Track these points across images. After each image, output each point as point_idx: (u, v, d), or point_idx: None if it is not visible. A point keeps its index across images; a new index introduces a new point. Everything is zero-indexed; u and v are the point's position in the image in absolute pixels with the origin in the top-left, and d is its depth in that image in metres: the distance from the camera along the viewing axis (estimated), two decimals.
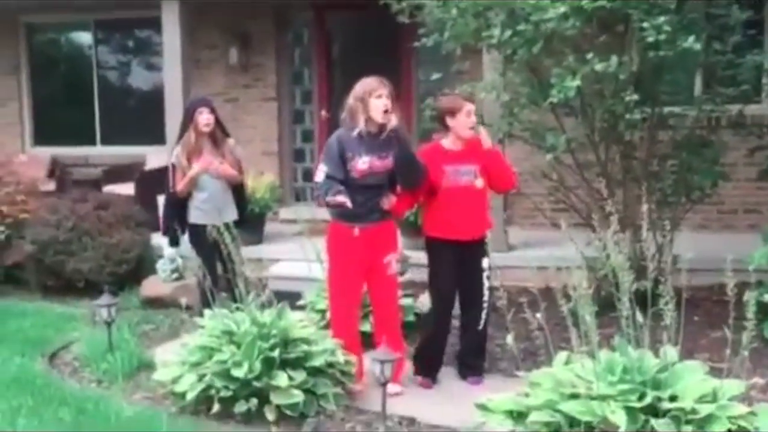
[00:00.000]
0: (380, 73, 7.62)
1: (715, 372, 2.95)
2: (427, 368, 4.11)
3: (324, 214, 7.78)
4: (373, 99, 3.72)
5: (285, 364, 3.51)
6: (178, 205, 4.95)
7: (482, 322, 4.06)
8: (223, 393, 3.43)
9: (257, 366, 3.44)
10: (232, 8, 7.64)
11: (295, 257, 5.92)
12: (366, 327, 4.78)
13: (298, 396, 3.40)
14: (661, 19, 4.09)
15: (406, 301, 5.07)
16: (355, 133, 3.75)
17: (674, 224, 5.25)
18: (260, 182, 6.85)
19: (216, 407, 3.46)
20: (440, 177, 3.92)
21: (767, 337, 4.44)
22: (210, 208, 4.86)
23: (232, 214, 5.08)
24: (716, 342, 4.35)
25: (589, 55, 4.24)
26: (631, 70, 4.30)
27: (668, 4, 4.29)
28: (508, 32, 4.38)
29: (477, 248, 3.91)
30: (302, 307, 5.08)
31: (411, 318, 5.02)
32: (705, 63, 4.93)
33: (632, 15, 4.37)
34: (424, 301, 5.49)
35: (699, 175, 5.05)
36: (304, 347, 3.58)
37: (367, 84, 3.79)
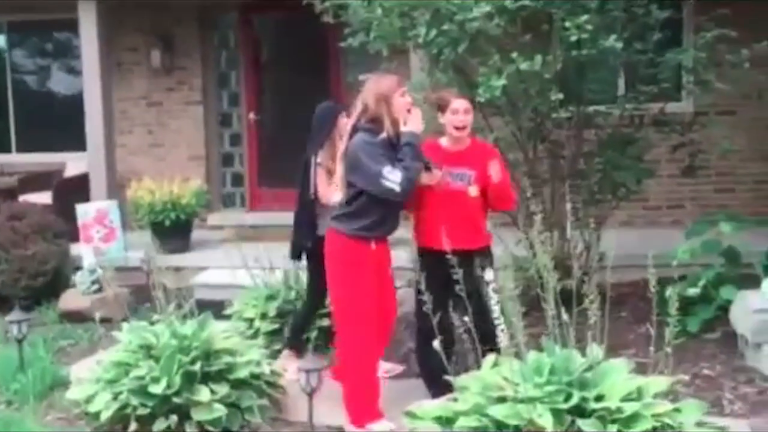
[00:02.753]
0: (309, 74, 7.62)
1: (642, 368, 2.96)
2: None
3: (255, 219, 7.75)
4: (397, 98, 3.38)
5: (207, 378, 3.36)
6: (314, 215, 4.31)
7: (498, 340, 3.39)
8: (141, 411, 3.26)
9: (177, 381, 3.28)
10: (153, 9, 7.38)
11: (224, 264, 5.78)
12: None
13: (221, 410, 3.26)
14: (583, 18, 4.12)
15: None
16: (379, 139, 3.36)
17: (600, 222, 5.32)
18: (186, 188, 6.63)
19: (133, 426, 3.28)
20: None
21: (691, 331, 4.52)
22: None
23: None
24: (642, 338, 4.40)
25: (514, 55, 4.24)
26: (555, 69, 4.31)
27: (590, 4, 4.33)
28: (434, 32, 4.33)
29: (475, 259, 3.42)
30: (229, 316, 4.93)
31: None
32: (627, 62, 4.99)
33: (555, 15, 4.39)
34: None
35: (624, 172, 5.11)
36: (228, 359, 3.44)
37: (389, 82, 3.41)
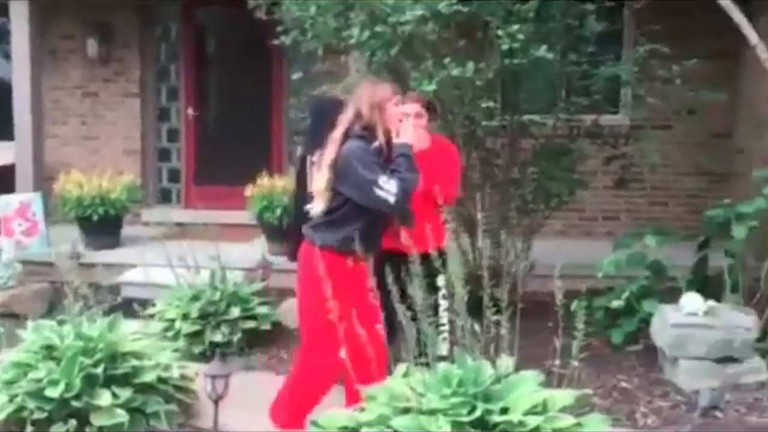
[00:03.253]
0: (251, 70, 7.49)
1: (559, 380, 2.92)
2: None
3: (190, 217, 7.58)
4: (390, 106, 3.24)
5: (111, 381, 3.23)
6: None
7: (442, 350, 3.41)
8: (37, 414, 3.11)
9: (77, 384, 3.14)
10: None
11: (155, 262, 5.61)
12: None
13: (122, 416, 3.13)
14: (515, 27, 4.10)
15: (262, 310, 4.87)
16: (372, 147, 3.21)
17: (533, 231, 5.34)
18: (117, 182, 6.43)
19: (29, 430, 3.13)
20: None
21: (615, 342, 4.55)
22: None
23: None
24: (565, 349, 4.42)
25: (447, 60, 4.20)
26: (488, 77, 4.29)
27: (525, 13, 4.32)
28: (367, 33, 4.27)
29: (425, 263, 3.12)
30: (152, 316, 4.78)
31: (266, 327, 4.83)
32: (561, 73, 5.01)
33: (490, 22, 4.38)
34: (289, 308, 5.32)
35: (556, 182, 5.13)
36: (134, 362, 3.31)
37: (383, 89, 3.29)
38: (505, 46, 4.11)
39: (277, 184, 6.14)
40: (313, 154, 4.01)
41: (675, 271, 4.67)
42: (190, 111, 7.59)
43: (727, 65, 6.53)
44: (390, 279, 2.92)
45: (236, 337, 4.63)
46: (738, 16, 3.63)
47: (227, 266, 5.07)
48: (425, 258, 3.07)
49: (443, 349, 3.61)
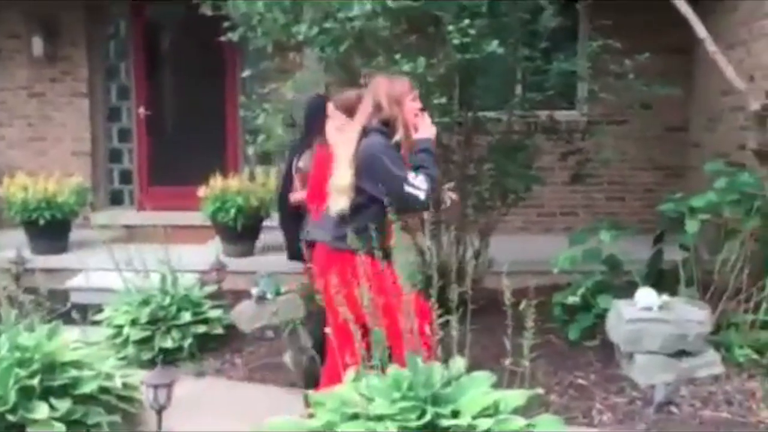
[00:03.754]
0: (204, 68, 7.32)
1: (515, 378, 2.86)
2: None
3: (144, 219, 7.39)
4: (408, 102, 3.10)
5: (48, 393, 3.08)
6: (297, 216, 4.09)
7: None
8: None
9: (12, 396, 2.99)
10: None
11: (106, 267, 5.42)
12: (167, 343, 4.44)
13: (60, 429, 2.98)
14: (466, 22, 4.05)
15: (214, 313, 4.74)
16: (393, 142, 3.07)
17: (490, 228, 5.30)
18: (64, 185, 6.23)
19: None
20: None
21: (572, 339, 4.53)
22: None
23: None
24: (520, 347, 4.40)
25: (398, 56, 4.13)
26: (440, 73, 4.22)
27: (475, 8, 4.27)
28: (316, 29, 4.17)
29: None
30: (100, 322, 4.63)
31: (219, 331, 4.71)
32: (515, 68, 4.97)
33: (442, 17, 4.31)
34: (242, 311, 5.21)
35: (512, 179, 5.09)
36: (73, 372, 3.17)
37: (401, 84, 3.14)
38: (456, 41, 4.05)
39: (230, 185, 6.01)
40: (300, 157, 3.91)
41: (631, 266, 4.67)
42: (142, 110, 7.40)
43: (681, 60, 6.57)
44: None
45: (187, 342, 4.50)
46: (685, 9, 3.61)
47: (180, 269, 4.94)
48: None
49: None
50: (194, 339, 4.54)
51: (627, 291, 4.45)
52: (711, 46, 3.58)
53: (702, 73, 6.41)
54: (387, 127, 3.07)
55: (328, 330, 3.05)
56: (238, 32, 4.50)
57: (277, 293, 5.20)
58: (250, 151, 4.96)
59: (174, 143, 7.40)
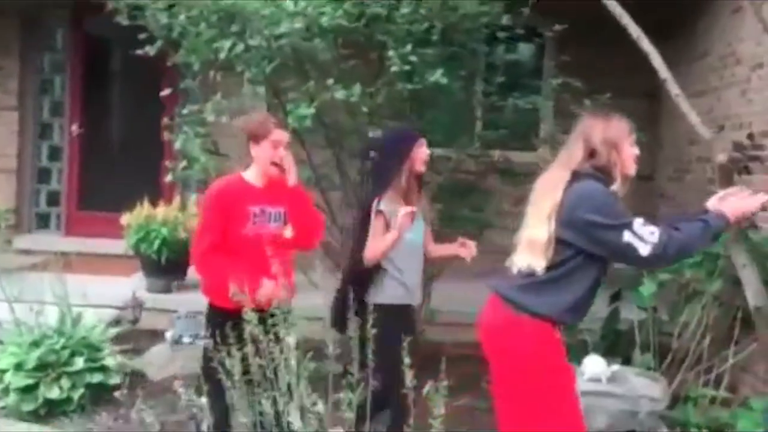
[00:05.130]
0: (143, 85, 6.82)
1: None
2: None
3: (71, 245, 6.83)
4: (627, 147, 2.58)
5: None
6: (365, 276, 3.29)
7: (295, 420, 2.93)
8: None
9: None
10: None
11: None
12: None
13: None
14: (408, 48, 3.64)
15: (114, 360, 4.19)
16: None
17: (433, 275, 4.85)
18: None
19: None
20: (243, 220, 2.95)
21: None
22: (413, 284, 3.35)
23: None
24: (464, 411, 3.95)
25: (330, 81, 3.70)
26: (377, 102, 3.80)
27: (422, 35, 3.87)
28: (241, 46, 3.73)
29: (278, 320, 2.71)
30: None
31: (117, 380, 4.15)
32: (469, 103, 4.57)
33: (386, 42, 3.90)
34: (153, 356, 4.68)
35: (459, 222, 4.66)
36: None
37: (618, 125, 2.59)
38: (395, 69, 3.63)
39: (156, 213, 5.50)
40: (381, 199, 3.23)
41: (588, 324, 4.24)
42: (75, 128, 6.87)
43: (648, 105, 6.26)
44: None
45: (77, 393, 3.95)
46: (648, 47, 3.23)
47: (95, 304, 4.44)
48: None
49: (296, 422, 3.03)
50: (87, 389, 4.00)
51: (581, 353, 4.01)
52: (674, 89, 3.20)
53: (669, 121, 6.08)
54: (603, 173, 2.54)
55: None
56: (156, 46, 4.04)
57: (196, 337, 4.68)
58: (168, 177, 4.46)
59: (108, 165, 6.89)
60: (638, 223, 2.43)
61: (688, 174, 5.74)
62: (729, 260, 3.76)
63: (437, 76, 3.65)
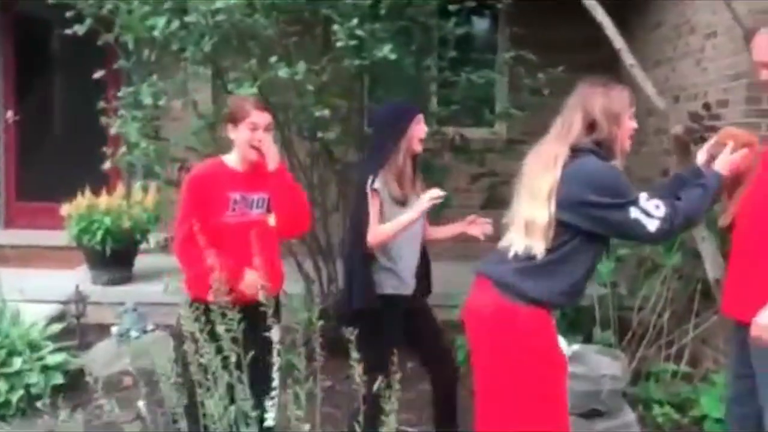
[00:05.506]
0: (83, 68, 6.47)
1: None
2: None
3: (10, 238, 6.49)
4: (627, 119, 2.43)
5: None
6: (368, 264, 3.04)
7: (270, 417, 2.87)
8: None
9: None
10: None
11: None
12: None
13: None
14: (354, 22, 3.46)
15: (56, 358, 3.97)
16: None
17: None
18: None
19: None
20: (223, 207, 2.80)
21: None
22: (409, 274, 3.14)
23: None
24: (419, 401, 3.82)
25: (273, 59, 3.50)
26: (322, 80, 3.62)
27: (369, 9, 3.69)
28: (176, 23, 3.51)
29: (264, 312, 2.56)
30: None
31: (59, 380, 3.93)
32: (422, 79, 4.41)
33: (332, 17, 3.71)
34: (98, 352, 4.47)
35: None
36: None
37: (621, 96, 2.43)
38: (340, 44, 3.45)
39: (98, 202, 5.25)
40: (375, 176, 3.00)
41: None
42: (10, 115, 6.54)
43: (605, 78, 6.16)
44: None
45: (16, 396, 3.73)
46: (601, 17, 3.11)
47: (37, 299, 4.20)
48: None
49: (270, 419, 2.91)
50: (26, 391, 3.78)
51: None
52: (628, 59, 3.09)
53: None
54: (602, 148, 2.37)
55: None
56: (86, 25, 3.79)
57: (144, 331, 4.49)
58: (106, 165, 4.23)
59: (47, 153, 6.57)
60: (643, 198, 2.30)
61: (645, 146, 5.69)
62: (688, 233, 3.70)
63: (386, 51, 3.48)
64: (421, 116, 3.10)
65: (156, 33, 3.50)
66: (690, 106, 4.51)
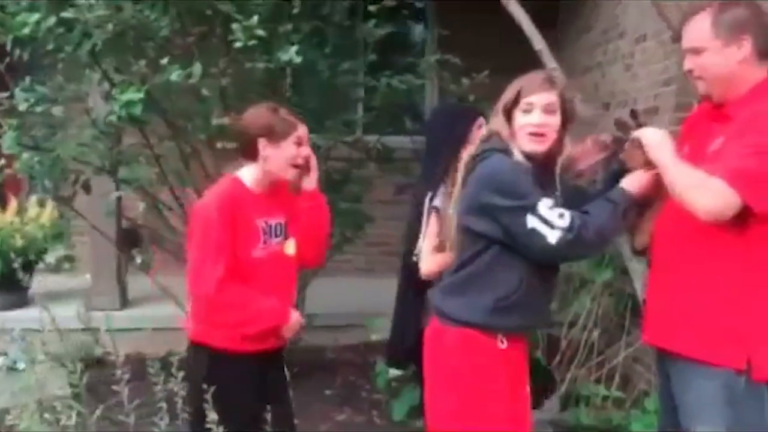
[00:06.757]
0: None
1: None
2: None
3: None
4: (522, 108, 2.13)
5: None
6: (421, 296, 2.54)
7: None
8: None
9: None
10: None
11: None
12: None
13: None
14: (254, 20, 3.12)
15: None
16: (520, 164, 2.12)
17: (313, 273, 4.39)
18: None
19: None
20: (254, 238, 2.34)
21: (396, 419, 3.66)
22: None
23: None
24: (343, 425, 3.55)
25: (164, 61, 3.15)
26: (220, 84, 3.27)
27: (276, 7, 3.37)
28: (53, 19, 3.12)
29: (281, 354, 2.47)
30: None
31: None
32: (334, 84, 4.10)
33: (231, 15, 3.37)
34: None
35: (340, 216, 4.20)
36: None
37: (528, 81, 2.17)
38: (239, 44, 3.11)
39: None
40: (435, 192, 2.57)
41: None
42: None
43: None
44: None
45: None
46: (517, 12, 2.86)
47: None
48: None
49: None
50: None
51: None
52: (550, 62, 2.83)
53: None
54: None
55: None
56: None
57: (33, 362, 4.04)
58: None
59: None
60: (544, 204, 1.98)
61: None
62: (616, 248, 3.50)
63: (291, 53, 3.15)
64: (482, 120, 2.60)
65: (26, 31, 3.09)
66: (621, 113, 4.33)
